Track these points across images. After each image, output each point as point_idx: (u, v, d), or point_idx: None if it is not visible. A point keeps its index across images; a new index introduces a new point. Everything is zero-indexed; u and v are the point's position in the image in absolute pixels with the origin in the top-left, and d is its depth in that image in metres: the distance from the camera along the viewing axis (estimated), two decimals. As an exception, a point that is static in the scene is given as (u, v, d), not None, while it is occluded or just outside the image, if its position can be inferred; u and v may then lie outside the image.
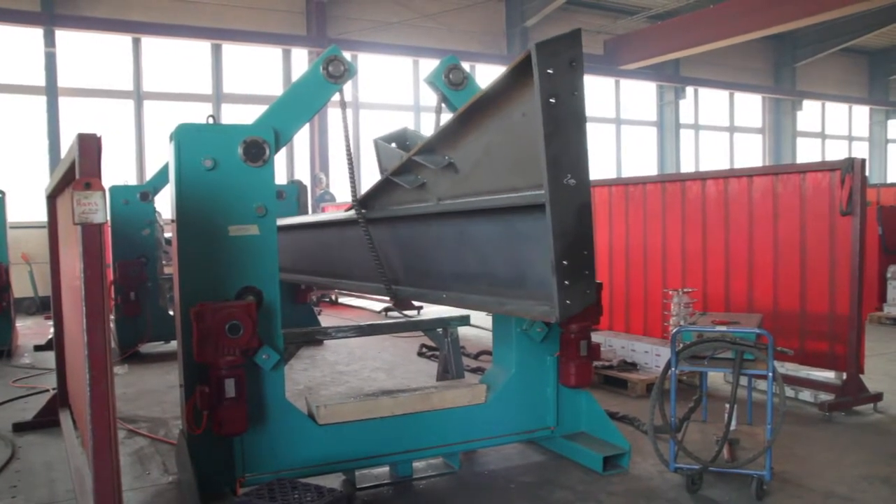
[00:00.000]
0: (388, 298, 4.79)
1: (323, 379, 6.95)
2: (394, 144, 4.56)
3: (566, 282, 2.88)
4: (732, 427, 3.99)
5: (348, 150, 4.42)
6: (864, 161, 5.35)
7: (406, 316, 10.30)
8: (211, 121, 3.90)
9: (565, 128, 2.81)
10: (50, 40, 12.87)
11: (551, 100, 2.76)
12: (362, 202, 4.52)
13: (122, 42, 13.79)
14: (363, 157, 15.31)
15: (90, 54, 13.63)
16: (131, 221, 8.24)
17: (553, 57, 2.76)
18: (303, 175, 15.03)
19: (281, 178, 13.69)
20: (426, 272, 4.33)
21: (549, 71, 2.75)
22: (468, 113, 3.30)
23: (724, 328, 4.08)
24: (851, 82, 24.34)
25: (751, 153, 22.37)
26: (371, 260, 4.60)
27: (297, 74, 14.61)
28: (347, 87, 4.26)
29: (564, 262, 2.87)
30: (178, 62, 14.39)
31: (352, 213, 4.63)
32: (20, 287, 10.98)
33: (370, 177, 4.55)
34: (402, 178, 3.98)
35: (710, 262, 6.55)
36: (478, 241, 3.68)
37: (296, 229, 6.55)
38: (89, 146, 2.57)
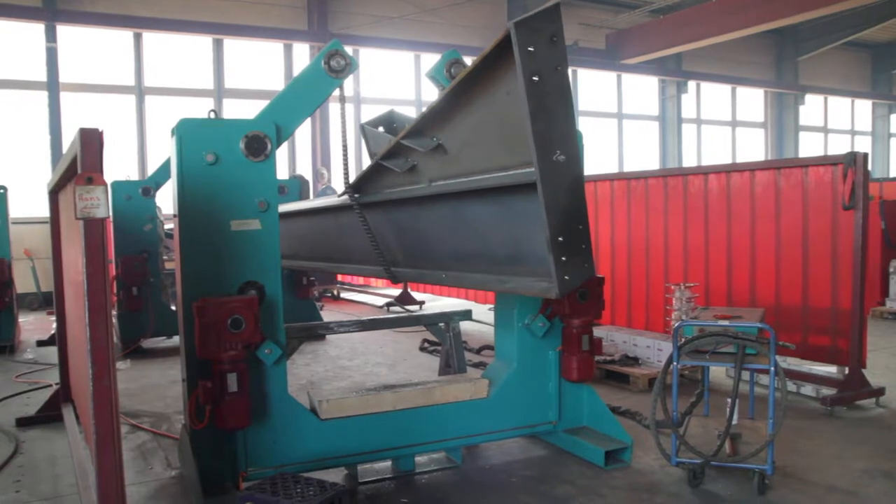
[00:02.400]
0: (389, 296, 4.80)
1: (325, 374, 6.96)
2: (381, 128, 4.54)
3: (563, 257, 2.87)
4: (734, 421, 4.00)
5: (344, 138, 4.40)
6: (866, 155, 5.34)
7: (408, 311, 10.31)
8: (212, 115, 3.89)
9: (551, 104, 2.76)
10: (51, 35, 12.87)
11: (534, 77, 2.72)
12: (355, 187, 4.50)
13: (123, 37, 13.78)
14: (365, 151, 15.29)
15: (91, 49, 13.62)
16: (133, 217, 8.24)
17: (533, 34, 2.72)
18: (304, 170, 15.03)
19: (283, 173, 13.68)
20: (424, 253, 4.31)
21: (529, 49, 2.71)
22: (454, 94, 3.24)
23: (726, 323, 4.09)
24: (854, 76, 24.29)
25: (753, 148, 22.35)
26: (368, 243, 4.59)
27: (298, 69, 14.62)
28: (349, 82, 4.26)
29: (560, 239, 2.85)
30: (179, 57, 14.38)
31: (346, 198, 4.62)
32: (23, 282, 11.00)
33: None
34: (391, 161, 3.95)
35: (712, 256, 6.54)
36: (473, 221, 3.66)
37: (295, 216, 6.56)
38: (91, 141, 2.57)
